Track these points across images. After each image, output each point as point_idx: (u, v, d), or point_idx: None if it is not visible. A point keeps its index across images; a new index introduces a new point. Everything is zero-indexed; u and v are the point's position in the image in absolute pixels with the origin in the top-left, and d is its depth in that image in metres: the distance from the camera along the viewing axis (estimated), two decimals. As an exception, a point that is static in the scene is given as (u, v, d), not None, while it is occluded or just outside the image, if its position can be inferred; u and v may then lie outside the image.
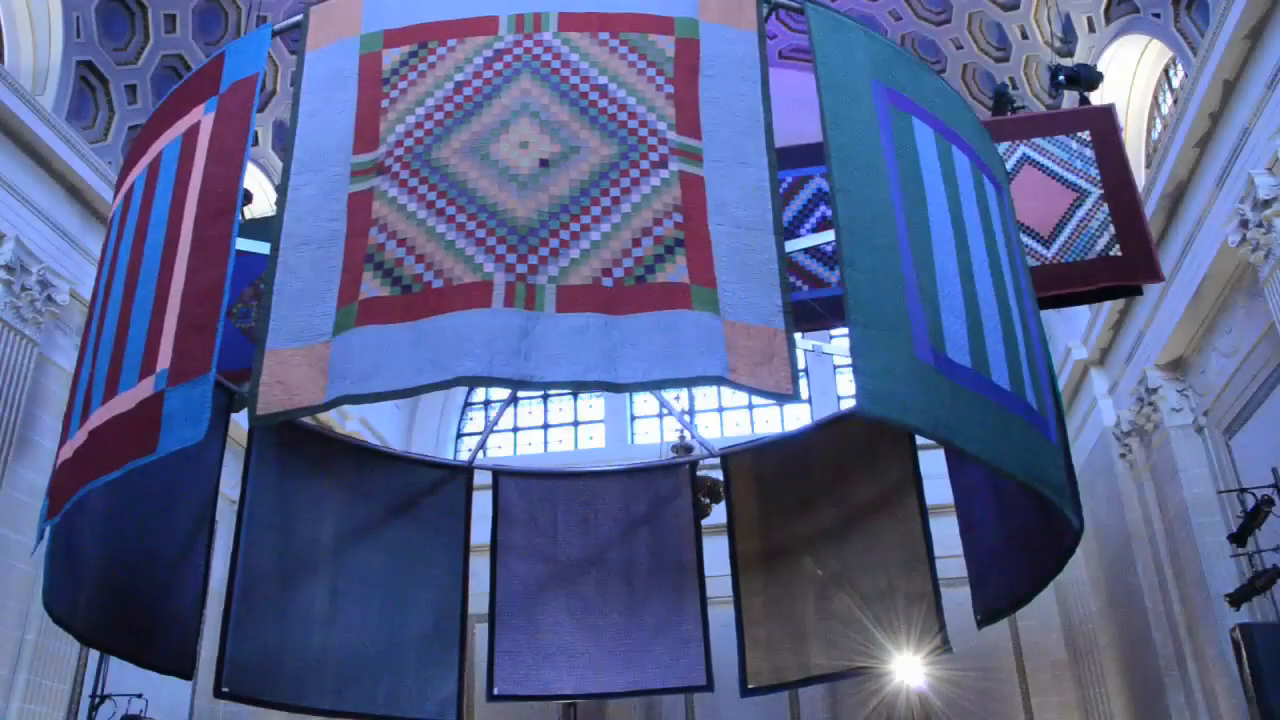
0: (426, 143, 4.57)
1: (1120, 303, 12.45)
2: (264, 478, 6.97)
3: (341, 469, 7.57)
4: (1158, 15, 10.83)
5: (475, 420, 18.83)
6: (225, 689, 6.46)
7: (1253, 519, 9.18)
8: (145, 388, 4.29)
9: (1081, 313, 13.78)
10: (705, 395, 18.11)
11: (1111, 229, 6.86)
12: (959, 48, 13.73)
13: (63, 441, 4.95)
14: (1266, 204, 8.85)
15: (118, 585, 5.67)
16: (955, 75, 13.93)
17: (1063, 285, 6.82)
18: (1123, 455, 13.15)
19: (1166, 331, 11.49)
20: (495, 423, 9.52)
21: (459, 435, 18.67)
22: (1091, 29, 11.88)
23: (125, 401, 4.35)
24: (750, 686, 8.10)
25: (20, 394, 9.40)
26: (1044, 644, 14.71)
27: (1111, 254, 6.81)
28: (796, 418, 16.67)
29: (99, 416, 4.49)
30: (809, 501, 8.29)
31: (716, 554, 8.57)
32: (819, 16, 5.08)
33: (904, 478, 7.85)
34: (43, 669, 9.35)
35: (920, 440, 7.77)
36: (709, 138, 4.73)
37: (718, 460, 8.79)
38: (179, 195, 4.77)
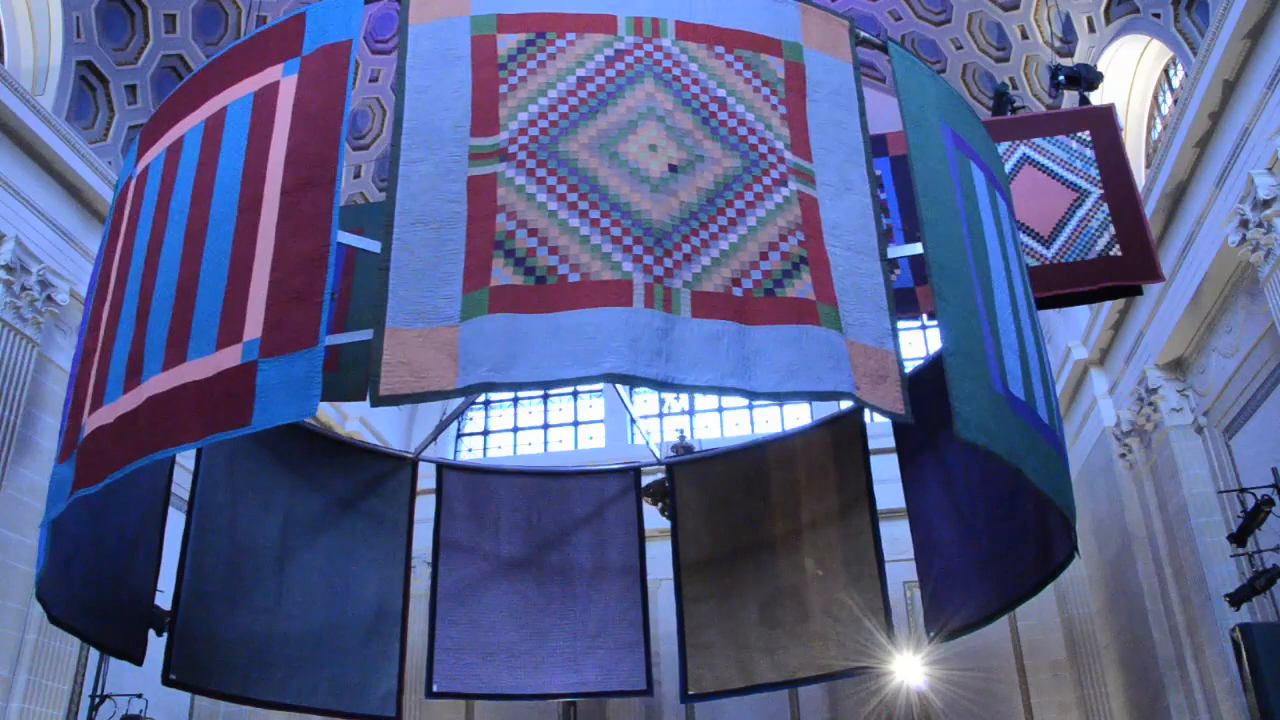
0: (552, 134, 4.56)
1: (1120, 303, 12.44)
2: (215, 462, 6.87)
3: (292, 455, 7.44)
4: (1158, 15, 10.83)
5: (475, 420, 18.83)
6: (173, 676, 6.34)
7: (1253, 519, 9.18)
8: (228, 357, 4.15)
9: (1081, 313, 13.78)
10: (705, 395, 18.10)
11: (1111, 229, 6.86)
12: (959, 48, 13.73)
13: (80, 408, 4.73)
14: (1266, 204, 8.85)
15: (86, 563, 5.54)
16: (955, 75, 13.92)
17: (1063, 285, 6.82)
18: (1123, 455, 13.15)
19: (1166, 331, 11.49)
20: (456, 419, 9.25)
21: (459, 435, 18.66)
22: (1091, 29, 11.88)
23: (198, 369, 4.21)
24: (691, 693, 8.19)
25: (20, 394, 9.39)
26: (1044, 644, 14.70)
27: (1111, 254, 6.81)
28: (796, 417, 16.66)
29: (159, 383, 4.32)
30: (757, 513, 8.44)
31: (663, 559, 8.70)
32: (901, 57, 5.38)
33: (856, 493, 8.01)
34: (43, 669, 9.35)
35: (873, 445, 8.01)
36: (819, 162, 4.86)
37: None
38: (255, 158, 4.60)
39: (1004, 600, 6.32)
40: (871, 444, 8.09)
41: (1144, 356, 12.24)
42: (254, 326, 4.15)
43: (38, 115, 9.81)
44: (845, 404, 8.22)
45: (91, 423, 4.61)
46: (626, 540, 8.67)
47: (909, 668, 11.63)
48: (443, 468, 8.63)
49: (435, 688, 7.94)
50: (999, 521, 6.39)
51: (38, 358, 9.73)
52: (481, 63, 4.74)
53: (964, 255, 4.85)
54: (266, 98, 4.74)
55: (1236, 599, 9.41)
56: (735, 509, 8.50)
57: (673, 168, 4.54)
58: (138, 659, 5.84)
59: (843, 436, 8.21)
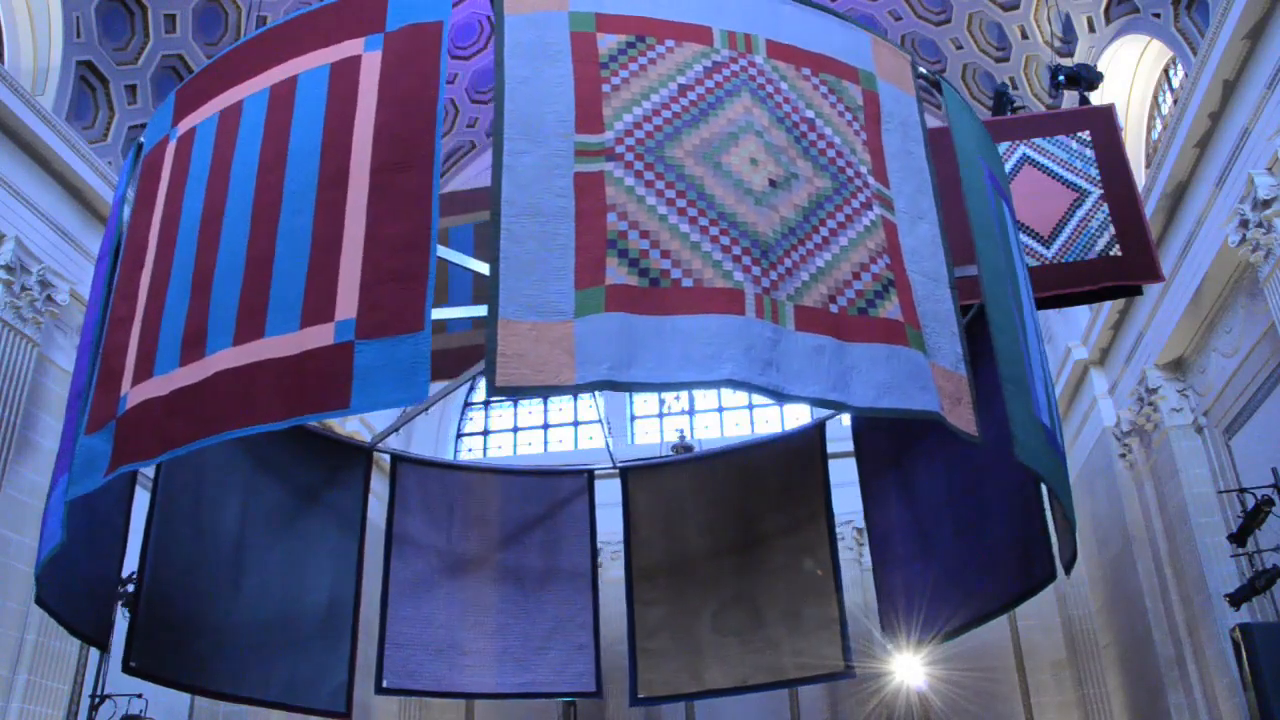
0: (658, 138, 4.60)
1: (1120, 303, 12.44)
2: None
3: (252, 439, 7.14)
4: (1158, 15, 10.83)
5: (475, 420, 18.82)
6: (133, 664, 6.24)
7: (1253, 519, 9.18)
8: (317, 335, 4.07)
9: (1081, 313, 13.78)
10: (705, 395, 18.10)
11: (1111, 229, 6.86)
12: (959, 48, 13.73)
13: (113, 377, 4.55)
14: (1266, 204, 8.85)
15: (69, 543, 5.36)
16: (955, 75, 13.93)
17: (1063, 285, 6.82)
18: (1123, 455, 13.14)
19: (1166, 331, 11.49)
20: (411, 417, 8.95)
21: (459, 435, 18.66)
22: (1091, 29, 11.88)
23: (279, 346, 4.12)
24: (640, 696, 8.30)
25: (20, 394, 9.39)
26: (1044, 644, 14.71)
27: (1111, 254, 6.81)
28: (796, 417, 16.67)
29: (229, 357, 4.21)
30: (713, 522, 8.61)
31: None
32: (951, 94, 5.60)
33: (814, 506, 8.19)
34: (43, 669, 9.35)
35: (831, 449, 8.19)
36: (895, 189, 5.00)
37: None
38: (336, 133, 4.50)
39: (970, 615, 6.57)
40: (832, 447, 8.30)
41: (1144, 356, 12.24)
42: (347, 306, 4.07)
43: (38, 115, 9.81)
44: (813, 416, 8.41)
45: (137, 394, 4.46)
46: (579, 542, 8.69)
47: (909, 668, 11.64)
48: (397, 460, 8.54)
49: (385, 683, 7.90)
50: (966, 540, 6.67)
51: (38, 358, 9.72)
52: (582, 60, 4.75)
53: (1007, 287, 5.08)
54: (346, 71, 4.66)
55: (1236, 599, 9.41)
56: (691, 516, 8.66)
57: (772, 182, 4.62)
58: (104, 644, 5.71)
59: (802, 449, 8.43)
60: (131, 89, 11.67)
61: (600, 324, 4.08)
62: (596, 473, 9.06)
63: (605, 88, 4.68)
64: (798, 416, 16.70)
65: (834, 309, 4.46)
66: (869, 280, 4.60)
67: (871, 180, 4.94)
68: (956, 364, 4.66)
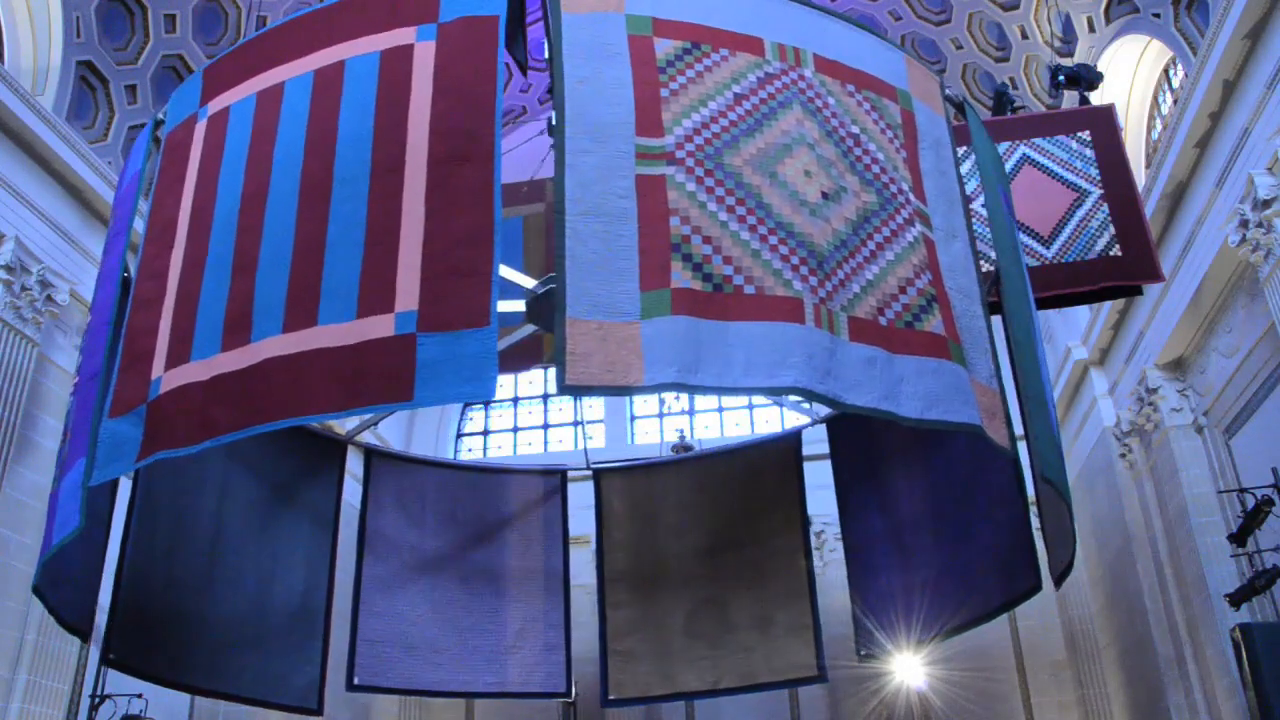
0: (716, 145, 4.64)
1: (1120, 303, 12.44)
2: None
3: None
4: (1158, 15, 10.83)
5: (475, 420, 18.82)
6: (111, 655, 6.22)
7: (1253, 519, 9.18)
8: (376, 326, 4.05)
9: (1081, 313, 13.78)
10: (706, 395, 18.10)
11: (1111, 229, 6.86)
12: (959, 48, 13.73)
13: (140, 359, 4.48)
14: (1266, 204, 8.85)
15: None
16: (955, 75, 13.92)
17: (1063, 285, 6.83)
18: (1123, 455, 13.14)
19: (1166, 331, 11.49)
20: (385, 414, 8.81)
21: (459, 435, 18.66)
22: (1091, 29, 11.88)
23: (333, 335, 4.10)
24: (611, 698, 8.41)
25: (20, 394, 9.39)
26: (1044, 644, 14.71)
27: (1111, 254, 6.81)
28: (797, 418, 16.65)
29: (279, 344, 4.18)
30: (686, 526, 8.74)
31: (588, 564, 8.80)
32: (976, 121, 5.74)
33: (790, 513, 8.29)
34: (43, 669, 9.35)
35: (807, 450, 8.29)
36: (932, 207, 5.10)
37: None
38: (389, 121, 4.48)
39: (950, 625, 6.71)
40: (815, 449, 8.39)
41: (1144, 356, 12.24)
42: (408, 298, 4.05)
43: (38, 115, 9.81)
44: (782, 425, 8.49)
45: (173, 378, 4.40)
46: (551, 543, 8.73)
47: (909, 668, 11.64)
48: (371, 454, 8.53)
49: (356, 680, 7.89)
50: (947, 551, 6.78)
51: (38, 358, 9.72)
52: (641, 63, 4.78)
53: (1027, 309, 5.24)
54: (398, 60, 4.65)
55: (1236, 599, 9.41)
56: (664, 520, 8.76)
57: (825, 195, 4.68)
58: (86, 634, 5.62)
59: (778, 456, 8.48)
60: (131, 89, 11.67)
61: (667, 326, 4.12)
62: (573, 475, 9.06)
63: (664, 92, 4.71)
64: (798, 417, 16.70)
65: (883, 321, 4.53)
66: (914, 295, 4.69)
67: (912, 197, 5.02)
68: (990, 379, 4.76)
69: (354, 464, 8.59)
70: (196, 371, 4.34)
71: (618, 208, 4.35)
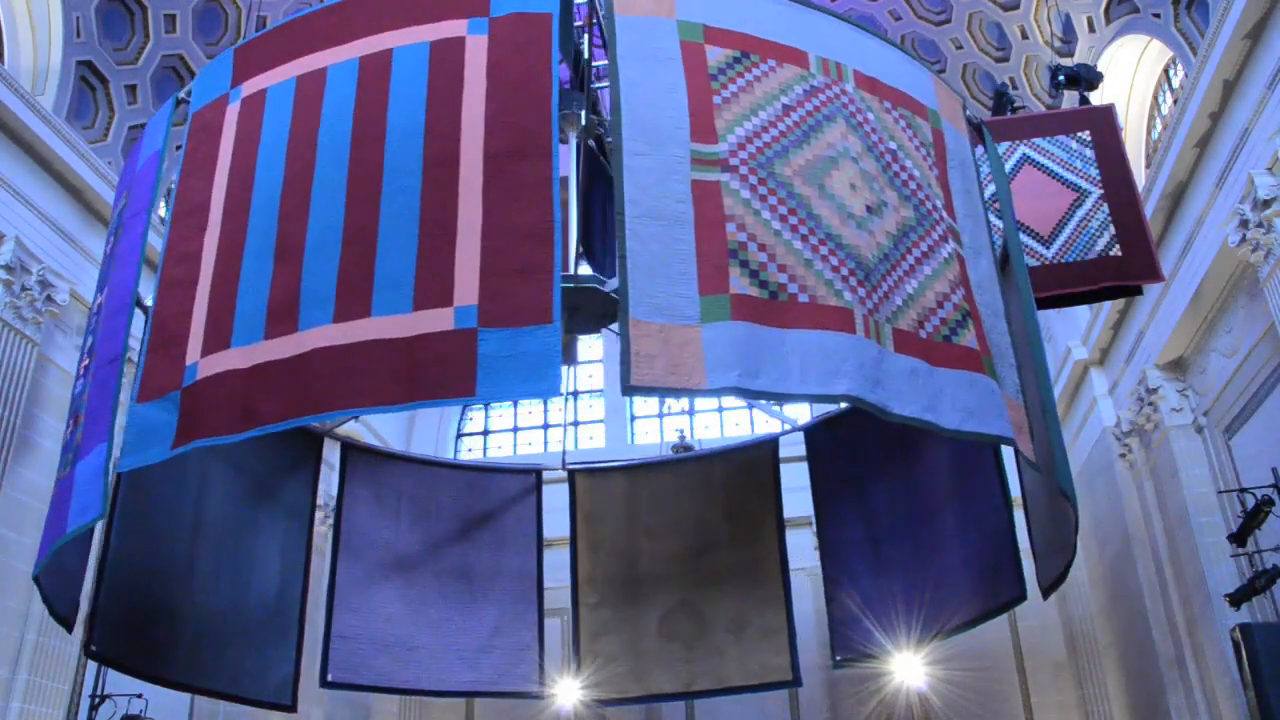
0: (768, 155, 4.68)
1: (1120, 303, 12.43)
2: None
3: None
4: (1158, 15, 10.82)
5: (475, 420, 18.82)
6: (94, 647, 6.18)
7: (1253, 519, 9.18)
8: (434, 320, 4.03)
9: (1081, 313, 13.77)
10: (707, 397, 18.09)
11: (1111, 229, 6.86)
12: (959, 48, 13.72)
13: (173, 343, 4.38)
14: (1266, 204, 8.85)
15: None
16: (955, 75, 13.92)
17: (1063, 285, 6.83)
18: (1123, 455, 13.14)
19: (1166, 331, 11.48)
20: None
21: (459, 435, 18.66)
22: (1091, 29, 11.88)
23: (389, 327, 4.06)
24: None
25: (20, 394, 9.39)
26: (1044, 644, 14.70)
27: (1111, 254, 6.81)
28: (797, 417, 16.65)
29: (329, 334, 4.13)
30: (662, 528, 8.83)
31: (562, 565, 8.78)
32: (993, 145, 5.87)
33: (766, 519, 8.35)
34: (43, 669, 9.34)
35: (784, 453, 8.33)
36: (961, 225, 5.19)
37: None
38: (442, 113, 4.47)
39: (930, 632, 6.77)
40: (785, 451, 8.45)
41: (1144, 356, 12.24)
42: (467, 293, 4.03)
43: (38, 115, 9.81)
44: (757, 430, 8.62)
45: (211, 364, 4.33)
46: (525, 543, 8.74)
47: (909, 668, 11.62)
48: (347, 449, 8.50)
49: (330, 677, 7.87)
50: (926, 560, 6.81)
51: (38, 358, 9.72)
52: (694, 69, 4.81)
53: (1034, 313, 5.38)
54: (448, 52, 4.63)
55: (1236, 599, 9.41)
56: (639, 522, 8.82)
57: (869, 209, 4.75)
58: (70, 624, 5.56)
59: (756, 462, 8.50)
60: (131, 89, 11.67)
61: (728, 331, 4.16)
62: (549, 477, 9.08)
63: (716, 99, 4.75)
64: (798, 417, 16.69)
65: (923, 334, 4.61)
66: (950, 310, 4.77)
67: (945, 215, 5.09)
68: (1016, 394, 4.85)
69: (335, 457, 8.57)
70: (237, 359, 4.26)
71: (675, 211, 4.38)
